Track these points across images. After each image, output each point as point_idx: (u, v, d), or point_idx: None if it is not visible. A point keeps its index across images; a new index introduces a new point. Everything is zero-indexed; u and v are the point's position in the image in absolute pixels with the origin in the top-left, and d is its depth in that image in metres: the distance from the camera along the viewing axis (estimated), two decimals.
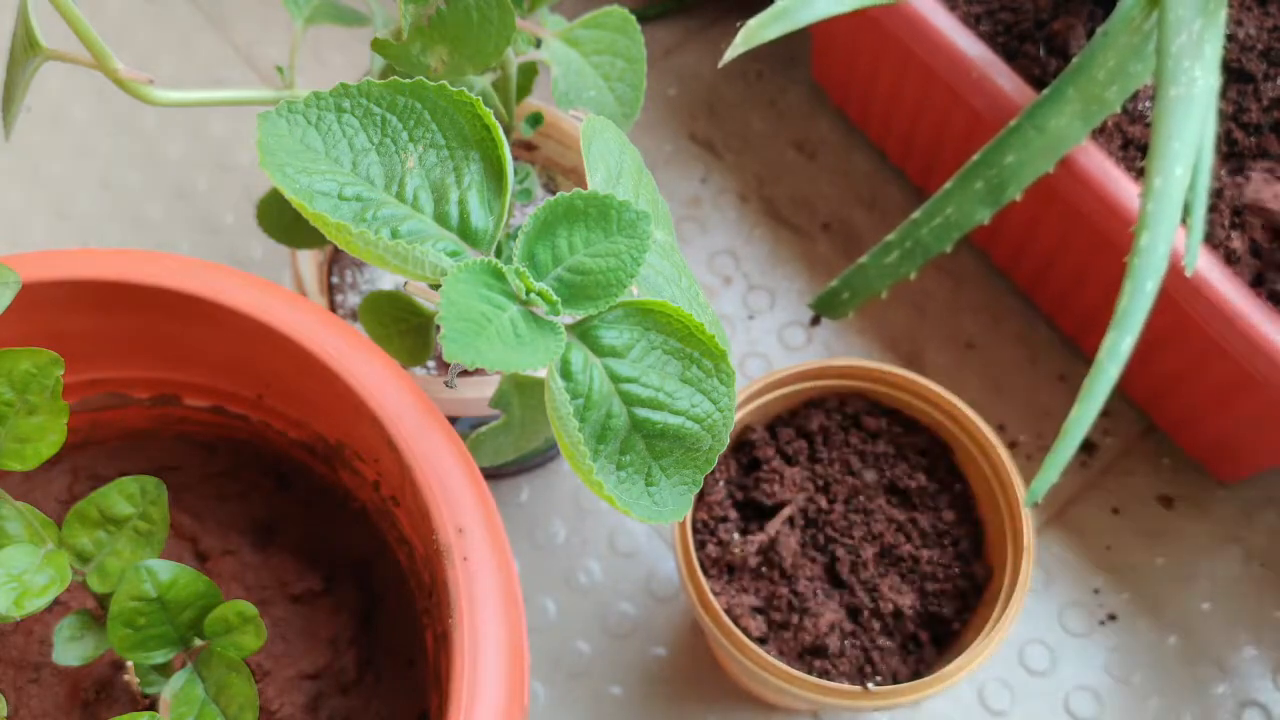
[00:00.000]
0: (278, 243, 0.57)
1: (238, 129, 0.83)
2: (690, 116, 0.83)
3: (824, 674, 0.54)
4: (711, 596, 0.54)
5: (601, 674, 0.66)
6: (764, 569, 0.57)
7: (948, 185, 0.60)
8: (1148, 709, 0.66)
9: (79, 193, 0.80)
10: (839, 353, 0.75)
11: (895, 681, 0.54)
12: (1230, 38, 0.66)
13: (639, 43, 0.51)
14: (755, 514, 0.59)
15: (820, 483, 0.59)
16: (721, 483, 0.59)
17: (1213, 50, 0.55)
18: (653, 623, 0.67)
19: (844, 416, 0.60)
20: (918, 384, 0.58)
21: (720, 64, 0.52)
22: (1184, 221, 0.58)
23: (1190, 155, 0.54)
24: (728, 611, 0.54)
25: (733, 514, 0.58)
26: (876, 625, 0.56)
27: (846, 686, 0.52)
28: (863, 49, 0.74)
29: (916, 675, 0.53)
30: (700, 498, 0.58)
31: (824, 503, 0.58)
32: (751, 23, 0.53)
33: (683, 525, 0.55)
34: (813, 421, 0.60)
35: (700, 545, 0.57)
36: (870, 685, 0.53)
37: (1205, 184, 0.56)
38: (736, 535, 0.57)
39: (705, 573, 0.56)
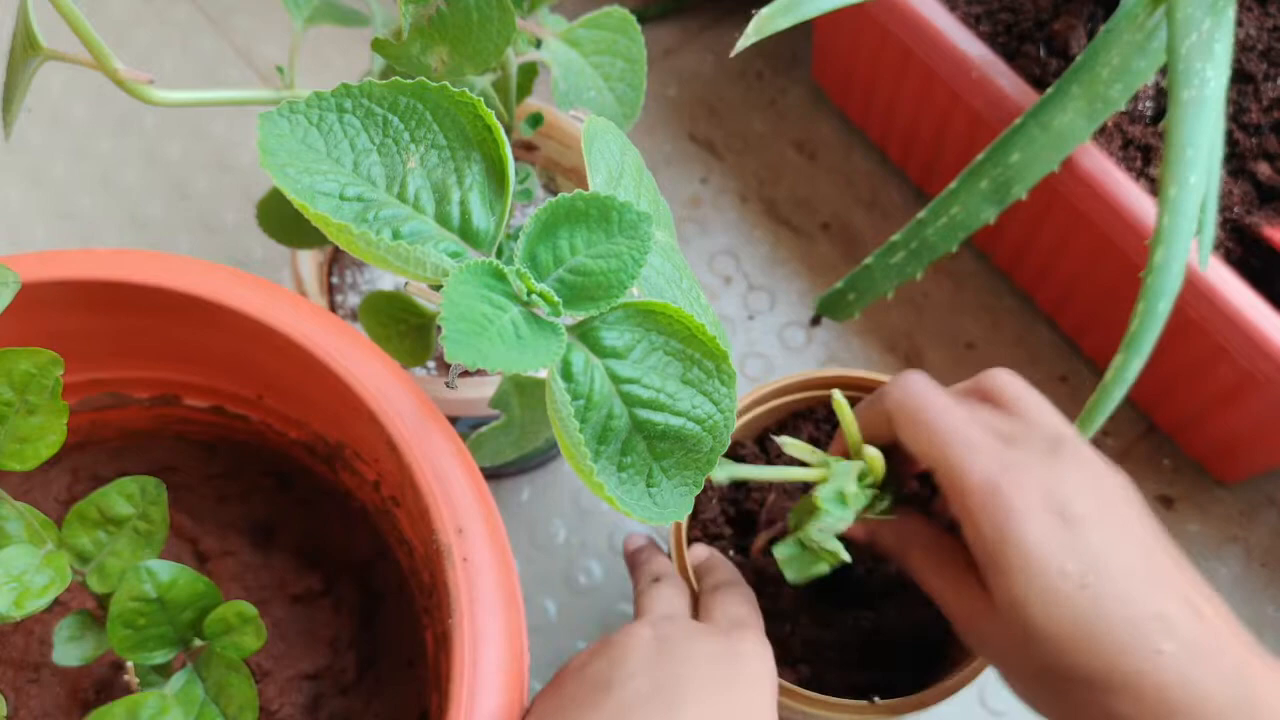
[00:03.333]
0: (278, 243, 0.57)
1: (238, 129, 0.83)
2: (690, 116, 0.83)
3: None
4: None
5: None
6: (761, 584, 0.56)
7: (953, 185, 0.60)
8: None
9: (79, 193, 0.80)
10: (839, 353, 0.75)
11: (899, 692, 0.53)
12: None
13: (639, 43, 0.51)
14: (750, 529, 0.58)
15: None
16: (714, 499, 0.59)
17: (1223, 49, 0.55)
18: None
19: (833, 426, 0.60)
20: None
21: (732, 54, 0.52)
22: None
23: (1205, 160, 0.54)
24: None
25: (727, 530, 0.58)
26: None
27: (850, 701, 0.52)
28: (863, 49, 0.74)
29: (919, 685, 0.53)
30: (694, 515, 0.58)
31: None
32: (764, 12, 0.53)
33: (679, 544, 0.55)
34: (802, 433, 0.60)
35: None
36: (876, 699, 0.52)
37: (1216, 183, 0.56)
38: (731, 552, 0.57)
39: None
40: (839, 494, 0.49)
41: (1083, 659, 0.42)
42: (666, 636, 0.46)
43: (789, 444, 0.51)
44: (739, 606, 0.50)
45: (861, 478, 0.50)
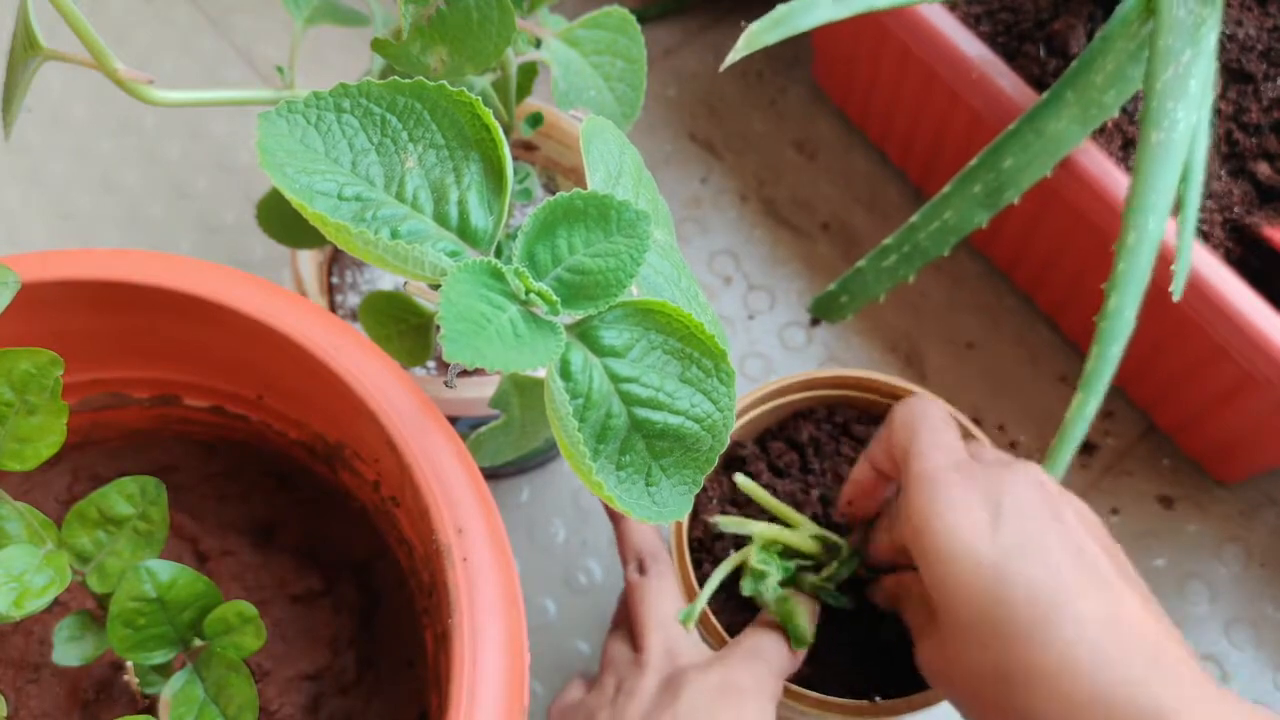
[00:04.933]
0: (278, 243, 0.57)
1: (238, 129, 0.83)
2: (690, 116, 0.83)
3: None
4: (713, 616, 0.53)
5: None
6: None
7: (946, 189, 0.60)
8: None
9: (79, 193, 0.80)
10: (839, 353, 0.75)
11: (900, 692, 0.53)
12: (1230, 38, 0.66)
13: (639, 43, 0.51)
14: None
15: (814, 493, 0.58)
16: (715, 500, 0.59)
17: (1199, 84, 0.55)
18: None
19: (833, 426, 0.60)
20: (905, 390, 0.58)
21: (722, 68, 0.52)
22: (1175, 215, 0.58)
23: (1166, 204, 0.55)
24: (728, 629, 0.54)
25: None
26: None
27: (850, 701, 0.52)
28: (863, 49, 0.75)
29: (919, 685, 0.53)
30: (694, 516, 0.58)
31: (820, 511, 0.58)
32: (753, 27, 0.53)
33: (680, 548, 0.55)
34: (803, 433, 0.60)
35: (698, 564, 0.57)
36: (877, 699, 0.52)
37: (1195, 207, 0.56)
38: (732, 552, 0.57)
39: None
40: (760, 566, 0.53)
41: (992, 651, 0.43)
42: (670, 685, 0.48)
43: (723, 521, 0.54)
44: (768, 636, 0.51)
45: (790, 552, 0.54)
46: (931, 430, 0.49)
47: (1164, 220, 0.55)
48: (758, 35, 0.53)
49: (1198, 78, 0.55)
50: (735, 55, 0.52)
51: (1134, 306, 0.54)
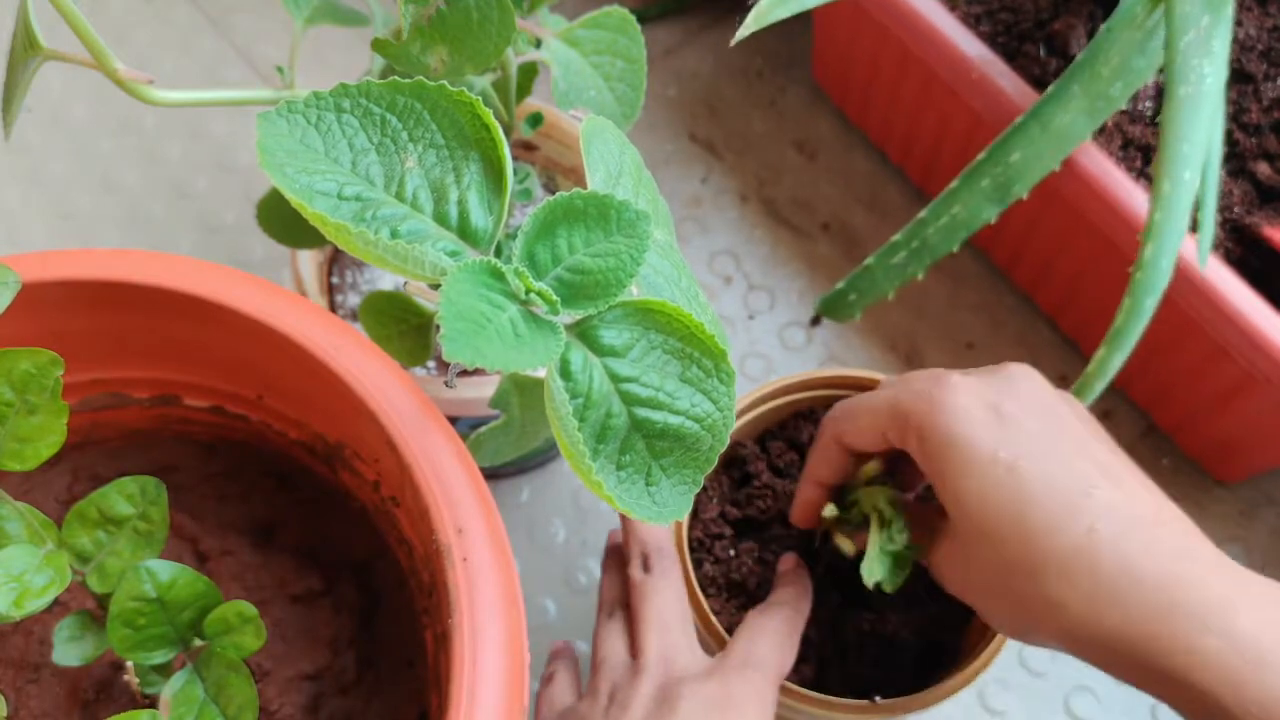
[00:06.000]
0: (278, 243, 0.57)
1: (238, 129, 0.83)
2: (690, 116, 0.83)
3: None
4: (713, 616, 0.53)
5: None
6: (763, 585, 0.56)
7: (954, 184, 0.60)
8: (1148, 708, 0.66)
9: (79, 193, 0.80)
10: (839, 353, 0.75)
11: (900, 691, 0.53)
12: (1230, 38, 0.66)
13: (639, 43, 0.51)
14: (750, 529, 0.58)
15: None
16: (715, 500, 0.58)
17: (1221, 45, 0.55)
18: None
19: None
20: None
21: (731, 43, 0.53)
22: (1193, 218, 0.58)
23: (1200, 157, 0.54)
24: (728, 629, 0.54)
25: (728, 531, 0.58)
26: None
27: (850, 701, 0.52)
28: (862, 49, 0.74)
29: (919, 685, 0.53)
30: (695, 516, 0.58)
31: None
32: (762, 3, 0.53)
33: (680, 548, 0.55)
34: (803, 433, 0.60)
35: (698, 564, 0.57)
36: (877, 699, 0.52)
37: (1215, 180, 0.56)
38: (732, 552, 0.57)
39: (704, 592, 0.56)
40: (890, 501, 0.51)
41: (1019, 546, 0.44)
42: (665, 696, 0.48)
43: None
44: (762, 642, 0.50)
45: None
46: (892, 380, 0.50)
47: (1199, 172, 0.54)
48: (766, 11, 0.53)
49: (1220, 40, 0.55)
50: (744, 31, 0.52)
51: (1170, 257, 0.54)
